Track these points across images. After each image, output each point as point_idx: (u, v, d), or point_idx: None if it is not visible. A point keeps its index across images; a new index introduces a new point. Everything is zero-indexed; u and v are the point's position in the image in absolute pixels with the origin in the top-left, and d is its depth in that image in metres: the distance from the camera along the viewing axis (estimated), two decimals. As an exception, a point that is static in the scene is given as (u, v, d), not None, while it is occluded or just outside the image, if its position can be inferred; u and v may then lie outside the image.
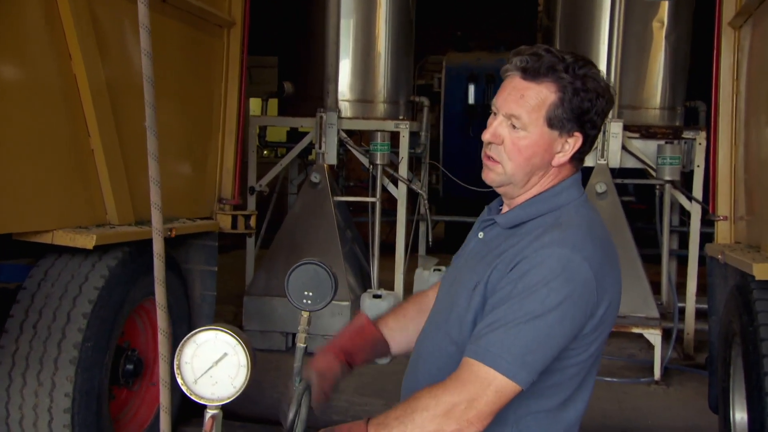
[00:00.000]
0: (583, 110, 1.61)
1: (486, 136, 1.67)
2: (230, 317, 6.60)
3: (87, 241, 3.11)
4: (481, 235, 1.76)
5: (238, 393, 1.41)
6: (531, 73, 1.61)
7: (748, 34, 4.06)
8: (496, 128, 1.66)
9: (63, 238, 3.11)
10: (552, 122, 1.62)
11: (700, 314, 5.70)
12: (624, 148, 5.79)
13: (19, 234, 3.05)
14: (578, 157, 1.69)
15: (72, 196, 3.27)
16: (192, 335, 1.39)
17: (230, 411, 4.59)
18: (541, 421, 1.65)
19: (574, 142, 1.65)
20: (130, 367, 3.60)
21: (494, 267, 1.62)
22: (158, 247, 1.52)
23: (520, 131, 1.63)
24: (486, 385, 1.49)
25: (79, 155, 3.27)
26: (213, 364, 1.39)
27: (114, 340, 3.40)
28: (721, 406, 3.74)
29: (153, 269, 3.71)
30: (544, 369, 1.56)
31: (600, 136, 5.68)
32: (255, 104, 10.85)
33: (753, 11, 3.88)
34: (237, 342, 1.40)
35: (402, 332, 1.91)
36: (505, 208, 1.77)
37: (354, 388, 5.06)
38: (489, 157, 1.68)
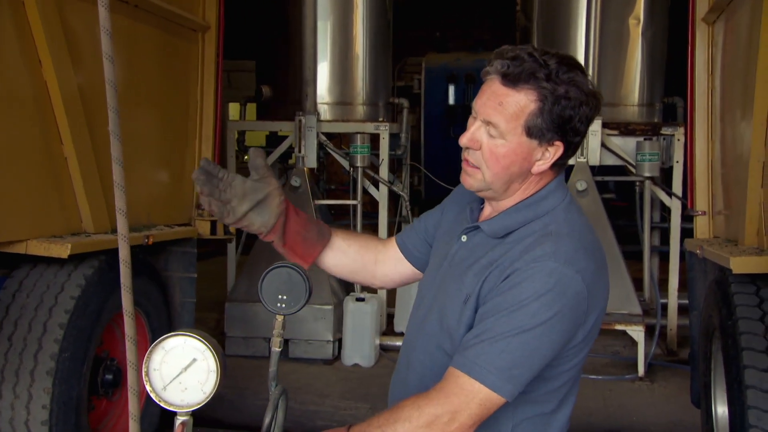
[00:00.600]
0: (564, 119, 1.55)
1: (463, 140, 1.62)
2: (213, 324, 6.55)
3: (62, 250, 3.07)
4: (464, 238, 1.71)
5: (208, 399, 1.39)
6: (511, 79, 1.55)
7: (722, 30, 4.08)
8: (473, 133, 1.61)
9: (37, 247, 3.07)
10: (531, 131, 1.56)
11: (682, 310, 5.72)
12: (603, 145, 5.80)
13: (-9, 244, 3.00)
14: (560, 163, 1.64)
15: (46, 205, 3.23)
16: (160, 341, 1.37)
17: (214, 418, 4.58)
18: (537, 424, 1.66)
19: (555, 150, 1.60)
20: (109, 377, 3.55)
21: (485, 279, 1.59)
22: (124, 254, 1.49)
23: (497, 139, 1.58)
24: (471, 398, 1.48)
25: (52, 163, 3.23)
26: (182, 370, 1.37)
27: (92, 350, 3.36)
28: (703, 401, 3.75)
29: (132, 277, 3.70)
30: (538, 378, 1.55)
31: (579, 134, 5.76)
32: (233, 109, 10.81)
33: (725, 7, 3.91)
34: (206, 347, 1.38)
35: (338, 251, 1.91)
36: (487, 209, 1.73)
37: (339, 392, 5.04)
38: (468, 162, 1.63)
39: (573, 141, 1.60)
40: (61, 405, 3.13)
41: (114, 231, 3.50)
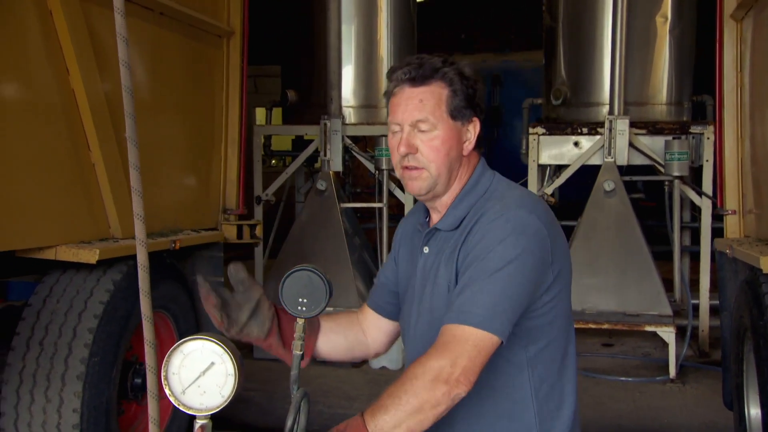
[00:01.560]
0: (470, 96, 1.75)
1: (401, 149, 1.73)
2: (241, 328, 6.59)
3: (90, 255, 3.10)
4: (426, 249, 1.82)
5: (227, 402, 1.39)
6: (419, 79, 1.72)
7: (750, 26, 4.02)
8: (407, 139, 1.73)
9: (66, 253, 3.11)
10: (454, 114, 1.73)
11: (714, 310, 5.64)
12: (631, 145, 5.74)
13: (22, 251, 3.05)
14: (478, 143, 1.80)
15: (74, 211, 3.27)
16: (178, 345, 1.38)
17: (243, 421, 4.60)
18: (553, 383, 1.75)
19: (474, 127, 1.78)
20: (138, 381, 3.58)
21: (456, 259, 1.70)
22: (142, 258, 1.50)
23: (431, 132, 1.72)
24: (464, 341, 1.55)
25: (80, 170, 3.27)
26: (200, 374, 1.38)
27: (121, 354, 3.39)
28: (735, 403, 3.69)
29: (159, 282, 3.74)
30: (531, 332, 1.68)
31: (606, 133, 5.72)
32: (260, 114, 10.88)
33: (754, 3, 3.84)
34: (224, 351, 1.38)
35: (331, 333, 1.95)
36: (434, 217, 1.84)
37: (367, 396, 5.04)
38: (410, 168, 1.74)
39: (481, 117, 1.80)
40: (92, 409, 3.16)
41: (143, 236, 3.54)
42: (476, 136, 1.78)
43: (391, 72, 1.76)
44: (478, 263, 1.62)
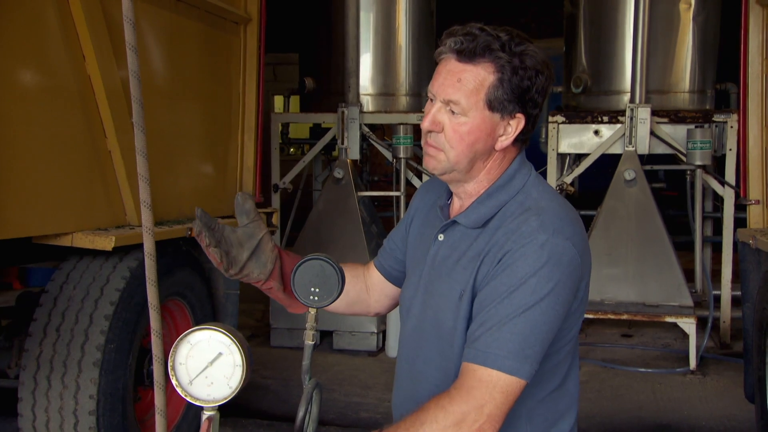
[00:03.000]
0: (523, 89, 1.54)
1: (425, 124, 1.59)
2: (259, 315, 6.61)
3: (106, 242, 3.10)
4: (441, 237, 1.69)
5: (234, 393, 1.37)
6: (467, 55, 1.53)
7: (777, 11, 3.93)
8: (434, 115, 1.58)
9: (82, 240, 3.11)
10: (492, 105, 1.55)
11: (735, 301, 5.57)
12: (653, 133, 5.66)
13: (39, 238, 3.06)
14: (521, 138, 1.62)
15: (90, 198, 3.27)
16: (185, 335, 1.36)
17: (259, 409, 4.61)
18: (548, 403, 1.65)
19: (517, 123, 1.59)
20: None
21: (477, 269, 1.57)
22: (149, 247, 1.48)
23: (461, 117, 1.56)
24: (491, 387, 1.46)
25: (96, 157, 3.27)
26: (208, 365, 1.35)
27: (137, 341, 3.40)
28: (757, 396, 3.64)
29: (175, 270, 3.75)
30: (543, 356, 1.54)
31: (627, 121, 5.65)
32: (278, 101, 10.87)
33: (781, -13, 3.76)
34: (231, 341, 1.36)
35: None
36: (456, 203, 1.71)
37: (384, 384, 5.03)
38: (430, 145, 1.60)
39: (532, 113, 1.59)
40: (108, 395, 3.17)
41: (158, 223, 3.53)
42: (517, 132, 1.59)
43: (447, 35, 1.57)
44: (508, 296, 1.49)
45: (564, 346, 1.62)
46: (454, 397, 1.46)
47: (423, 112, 5.46)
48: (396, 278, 1.90)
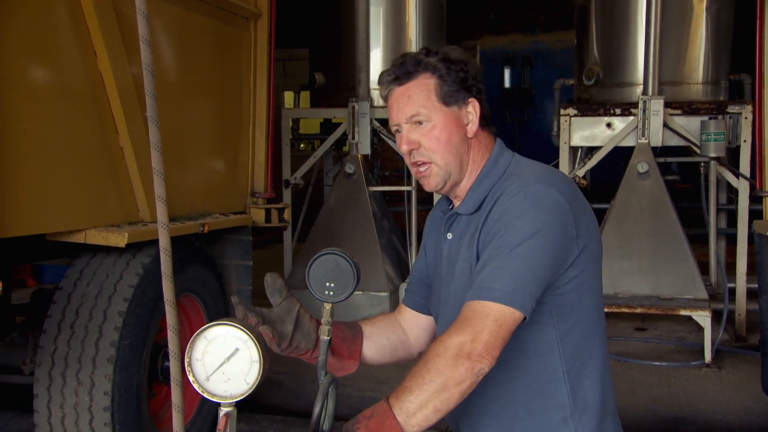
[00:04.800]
0: (462, 78, 1.73)
1: (403, 148, 1.75)
2: (271, 311, 6.61)
3: (119, 239, 3.10)
4: (450, 236, 1.81)
5: (252, 389, 1.36)
6: (404, 77, 1.73)
7: (793, 0, 3.88)
8: (407, 137, 1.74)
9: (95, 237, 3.11)
10: (446, 100, 1.73)
11: (751, 294, 5.52)
12: (666, 125, 5.62)
13: (52, 234, 3.06)
14: (485, 123, 1.79)
15: (103, 195, 3.27)
16: (202, 331, 1.35)
17: (273, 404, 4.61)
18: (585, 363, 1.71)
19: (473, 108, 1.76)
20: (168, 364, 3.57)
21: (477, 239, 1.69)
22: (164, 242, 1.47)
23: (427, 123, 1.72)
24: (485, 316, 1.53)
25: (108, 153, 3.27)
26: (225, 360, 1.34)
27: (151, 337, 3.40)
28: (775, 389, 3.60)
29: (188, 266, 3.75)
30: (560, 309, 1.65)
31: (640, 113, 5.60)
32: (288, 97, 10.86)
33: (797, -25, 3.71)
34: (248, 337, 1.35)
35: (374, 337, 1.93)
36: (457, 202, 1.83)
37: (397, 379, 5.00)
38: (418, 164, 1.75)
39: (481, 97, 1.77)
40: (122, 391, 3.18)
41: (171, 219, 3.52)
42: (479, 116, 1.76)
43: (379, 78, 1.79)
44: (497, 240, 1.61)
45: (580, 298, 1.69)
46: (452, 330, 1.55)
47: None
48: (422, 305, 1.98)
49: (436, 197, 6.17)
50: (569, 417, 1.69)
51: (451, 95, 1.72)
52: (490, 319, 1.52)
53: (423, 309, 1.97)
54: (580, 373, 1.71)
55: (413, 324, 1.98)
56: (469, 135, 1.76)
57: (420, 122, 1.72)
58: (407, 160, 1.78)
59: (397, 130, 1.77)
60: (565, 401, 1.69)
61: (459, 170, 1.76)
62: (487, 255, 1.62)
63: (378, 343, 1.91)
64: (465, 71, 1.73)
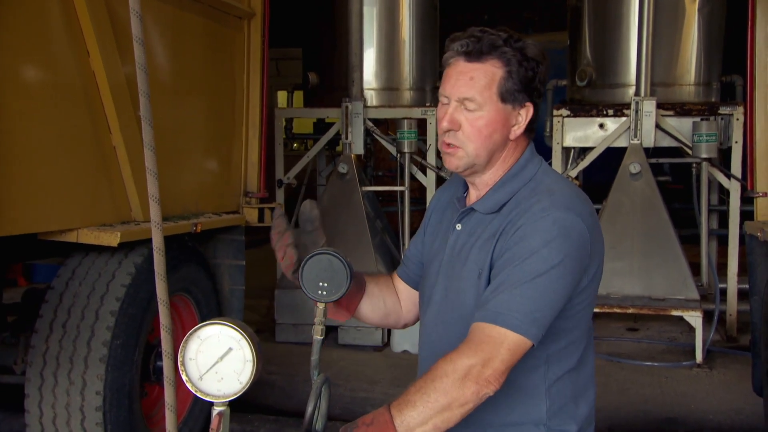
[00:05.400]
0: (529, 79, 1.67)
1: (443, 124, 1.70)
2: (263, 311, 6.61)
3: (111, 238, 3.10)
4: (459, 227, 1.78)
5: (245, 389, 1.36)
6: (474, 55, 1.66)
7: (784, 2, 3.91)
8: (451, 115, 1.69)
9: (88, 236, 3.11)
10: (504, 96, 1.67)
11: (742, 295, 5.55)
12: (658, 126, 5.64)
13: (44, 234, 3.05)
14: (530, 127, 1.74)
15: (95, 194, 3.26)
16: (195, 330, 1.35)
17: (265, 404, 4.61)
18: (567, 381, 1.73)
19: (526, 112, 1.71)
20: (161, 363, 3.57)
21: (493, 248, 1.66)
22: (157, 241, 1.47)
23: (476, 112, 1.67)
24: (499, 344, 1.54)
25: (101, 153, 3.26)
26: (218, 360, 1.35)
27: (143, 337, 3.40)
28: (765, 389, 3.62)
29: (181, 265, 3.74)
30: (556, 333, 1.64)
31: (632, 114, 5.62)
32: (281, 96, 10.85)
33: (788, -22, 3.73)
34: (242, 336, 1.35)
35: (374, 297, 1.92)
36: (473, 194, 1.80)
37: (389, 379, 5.02)
38: (448, 145, 1.71)
39: (538, 102, 1.73)
40: (114, 391, 3.17)
41: (164, 219, 3.52)
42: (527, 121, 1.71)
43: (450, 41, 1.69)
44: (520, 264, 1.59)
45: (578, 324, 1.71)
46: (463, 351, 1.54)
47: (427, 106, 5.46)
48: (415, 281, 1.96)
49: (429, 196, 6.18)
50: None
51: (512, 93, 1.67)
52: (503, 347, 1.53)
53: (415, 285, 1.96)
54: (560, 392, 1.72)
55: (406, 297, 1.98)
56: (511, 137, 1.72)
57: (470, 108, 1.67)
58: (440, 133, 1.73)
59: (444, 102, 1.71)
60: (542, 417, 1.71)
61: (485, 164, 1.73)
62: (506, 276, 1.60)
63: (375, 304, 1.91)
64: (534, 71, 1.68)
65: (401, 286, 1.99)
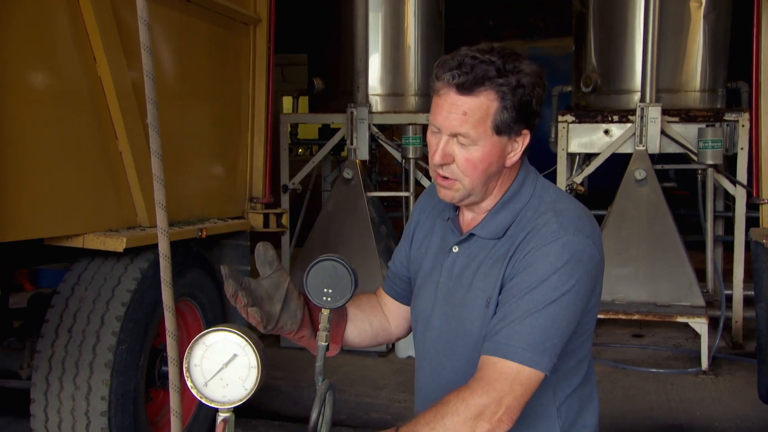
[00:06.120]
0: (524, 104, 1.59)
1: (435, 159, 1.62)
2: (268, 316, 6.60)
3: (117, 244, 3.11)
4: (456, 249, 1.71)
5: (250, 395, 1.36)
6: (466, 87, 1.56)
7: (790, 9, 3.91)
8: (443, 149, 1.61)
9: (94, 241, 3.12)
10: (500, 129, 1.59)
11: (748, 301, 5.53)
12: (663, 132, 5.64)
13: (50, 239, 3.06)
14: (525, 152, 1.68)
15: (102, 200, 3.28)
16: (200, 337, 1.35)
17: (271, 410, 4.61)
18: (575, 397, 1.71)
19: (523, 139, 1.64)
20: (166, 368, 3.58)
21: (503, 275, 1.61)
22: (164, 248, 1.48)
23: (471, 147, 1.59)
24: (512, 380, 1.49)
25: (107, 158, 3.28)
26: (223, 366, 1.35)
27: (149, 342, 3.40)
28: (771, 396, 3.60)
29: (186, 271, 3.75)
30: (565, 353, 1.60)
31: (638, 121, 5.62)
32: (287, 102, 10.87)
33: (794, -16, 3.73)
34: (247, 342, 1.35)
35: (358, 320, 1.85)
36: (467, 215, 1.74)
37: (394, 385, 5.02)
38: (444, 177, 1.64)
39: (534, 123, 1.65)
40: (120, 396, 3.18)
41: (170, 225, 3.53)
42: (524, 147, 1.64)
43: (439, 68, 1.59)
44: (530, 292, 1.53)
45: (585, 341, 1.69)
46: (475, 390, 1.49)
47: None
48: (403, 296, 1.91)
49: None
50: None
51: (507, 125, 1.59)
52: (516, 383, 1.49)
53: (404, 300, 1.90)
54: (570, 407, 1.70)
55: (395, 313, 1.92)
56: (507, 164, 1.65)
57: (463, 143, 1.59)
58: (432, 165, 1.65)
59: (434, 131, 1.63)
60: None
61: (483, 194, 1.66)
62: (514, 305, 1.54)
63: (361, 327, 1.84)
64: (530, 96, 1.58)
65: (390, 303, 1.93)
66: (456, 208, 1.76)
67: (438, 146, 1.61)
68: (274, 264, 1.64)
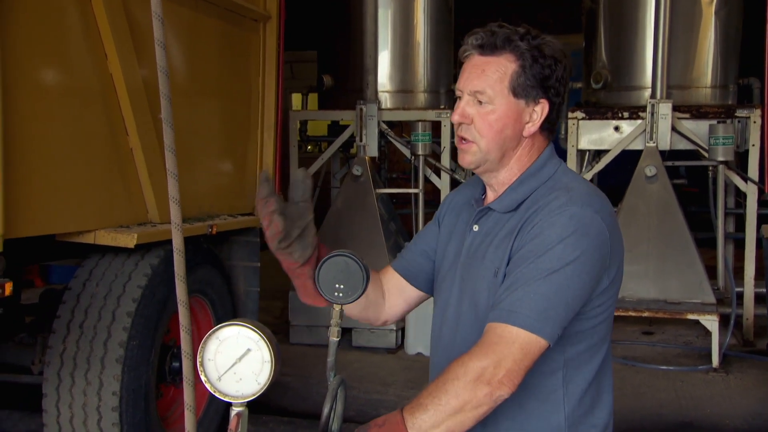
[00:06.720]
0: (544, 76, 1.64)
1: (455, 117, 1.68)
2: (278, 312, 6.62)
3: (128, 240, 3.12)
4: (476, 227, 1.74)
5: (263, 389, 1.37)
6: (488, 48, 1.64)
7: (803, 4, 3.88)
8: (463, 108, 1.67)
9: (105, 237, 3.13)
10: (516, 91, 1.64)
11: (759, 298, 5.51)
12: (674, 129, 5.61)
13: (61, 235, 3.08)
14: (548, 127, 1.71)
15: (113, 196, 3.29)
16: (214, 331, 1.36)
17: (280, 406, 4.62)
18: (585, 387, 1.69)
19: (541, 109, 1.67)
20: (176, 364, 3.59)
21: (511, 247, 1.63)
22: (177, 242, 1.48)
23: (488, 105, 1.65)
24: (512, 343, 1.50)
25: (118, 155, 3.29)
26: (236, 361, 1.35)
27: (159, 338, 3.42)
28: (783, 394, 3.59)
29: (196, 267, 3.76)
30: (575, 335, 1.61)
31: (648, 117, 5.60)
32: (296, 99, 10.88)
33: (807, -21, 3.70)
34: (260, 337, 1.36)
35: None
36: (490, 195, 1.76)
37: (403, 381, 5.03)
38: (462, 139, 1.69)
39: (556, 101, 1.67)
40: (131, 392, 3.20)
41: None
42: (542, 118, 1.67)
43: (467, 36, 1.67)
44: (534, 260, 1.55)
45: (598, 327, 1.67)
46: (475, 353, 1.51)
47: (441, 108, 5.45)
48: (423, 281, 1.89)
49: (443, 198, 6.17)
50: None
51: (524, 89, 1.63)
52: (516, 346, 1.49)
53: (413, 279, 1.89)
54: (580, 399, 1.68)
55: (396, 290, 1.90)
56: (525, 134, 1.68)
57: (481, 101, 1.64)
58: (455, 128, 1.71)
59: (458, 96, 1.69)
60: (561, 425, 1.66)
61: (497, 161, 1.68)
62: (519, 274, 1.56)
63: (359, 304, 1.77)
64: (551, 69, 1.64)
65: (394, 280, 1.90)
66: (482, 192, 1.79)
67: (459, 107, 1.67)
68: (306, 193, 1.63)
